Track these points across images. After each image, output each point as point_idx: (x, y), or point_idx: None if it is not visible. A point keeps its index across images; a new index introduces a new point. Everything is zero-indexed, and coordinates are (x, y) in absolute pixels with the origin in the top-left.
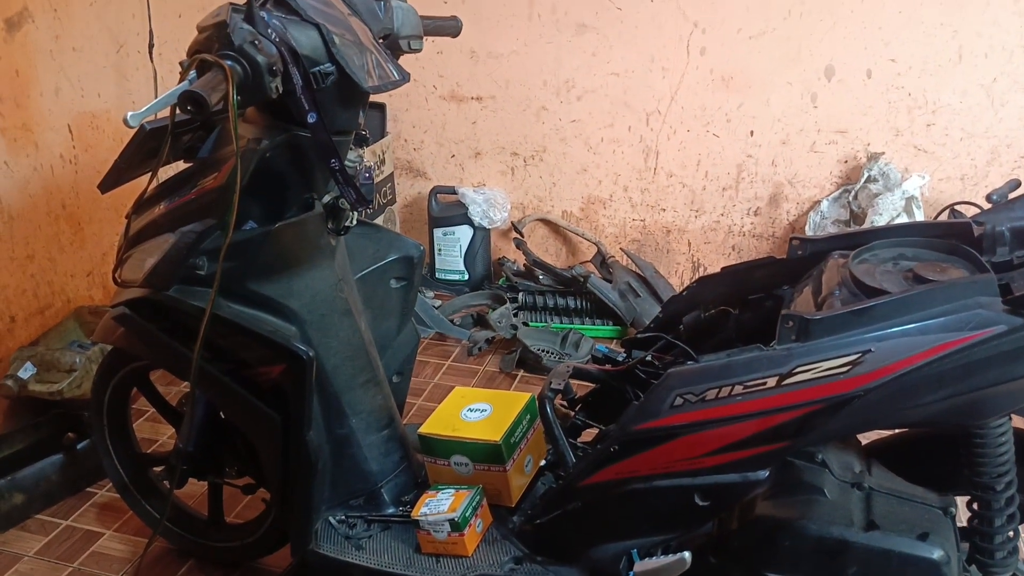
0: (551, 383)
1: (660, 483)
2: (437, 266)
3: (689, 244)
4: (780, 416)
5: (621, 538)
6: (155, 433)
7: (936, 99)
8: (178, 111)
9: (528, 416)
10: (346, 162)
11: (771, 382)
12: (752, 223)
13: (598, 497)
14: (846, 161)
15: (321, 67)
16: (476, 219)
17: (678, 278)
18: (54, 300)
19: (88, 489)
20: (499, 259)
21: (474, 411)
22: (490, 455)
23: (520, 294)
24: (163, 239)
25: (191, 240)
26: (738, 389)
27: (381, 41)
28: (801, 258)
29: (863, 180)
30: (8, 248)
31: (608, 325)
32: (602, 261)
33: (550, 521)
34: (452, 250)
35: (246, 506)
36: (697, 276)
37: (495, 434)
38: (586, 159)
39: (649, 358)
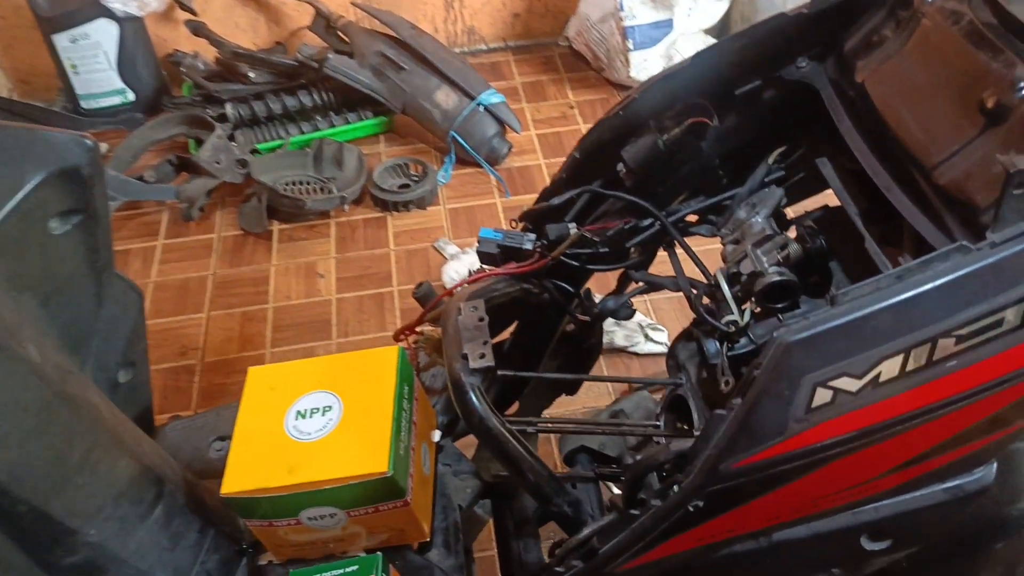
0: (466, 353)
1: (789, 535)
2: (79, 92)
3: None
4: None
5: None
6: None
7: None
8: None
9: (405, 387)
10: None
11: (1012, 316)
12: None
13: (664, 573)
14: None
15: None
16: (116, 5)
17: (430, 24)
18: None
19: None
20: (169, 57)
21: (309, 414)
22: (378, 493)
23: (227, 106)
24: None
25: None
26: (947, 346)
27: None
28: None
29: None
30: None
31: (368, 119)
32: (326, 25)
33: None
34: (93, 62)
35: None
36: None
37: (376, 460)
38: None
39: (573, 228)
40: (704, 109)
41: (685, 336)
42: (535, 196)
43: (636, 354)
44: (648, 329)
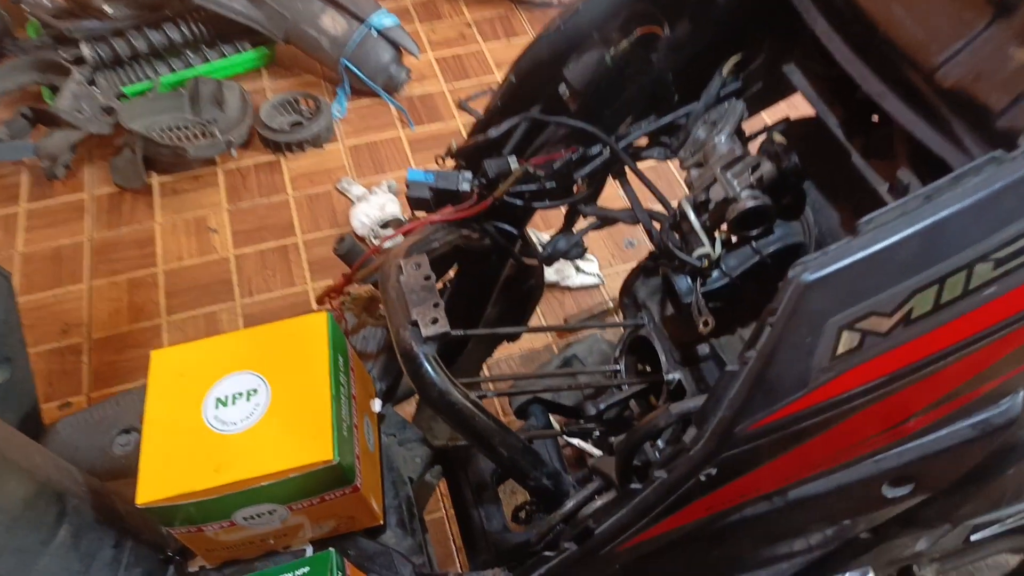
0: (415, 319)
1: (807, 492)
2: None
3: None
4: None
5: None
6: None
7: None
8: None
9: (340, 358)
10: None
11: None
12: None
13: (667, 546)
14: None
15: None
16: None
17: None
18: None
19: None
20: None
21: (231, 401)
22: (324, 483)
23: (83, 47)
24: None
25: None
26: (984, 272)
27: None
28: None
29: None
30: None
31: (246, 51)
32: None
33: None
34: None
35: None
36: None
37: (318, 447)
38: None
39: (514, 162)
40: (653, 17)
41: (643, 272)
42: (441, 126)
43: (568, 288)
44: (578, 260)
